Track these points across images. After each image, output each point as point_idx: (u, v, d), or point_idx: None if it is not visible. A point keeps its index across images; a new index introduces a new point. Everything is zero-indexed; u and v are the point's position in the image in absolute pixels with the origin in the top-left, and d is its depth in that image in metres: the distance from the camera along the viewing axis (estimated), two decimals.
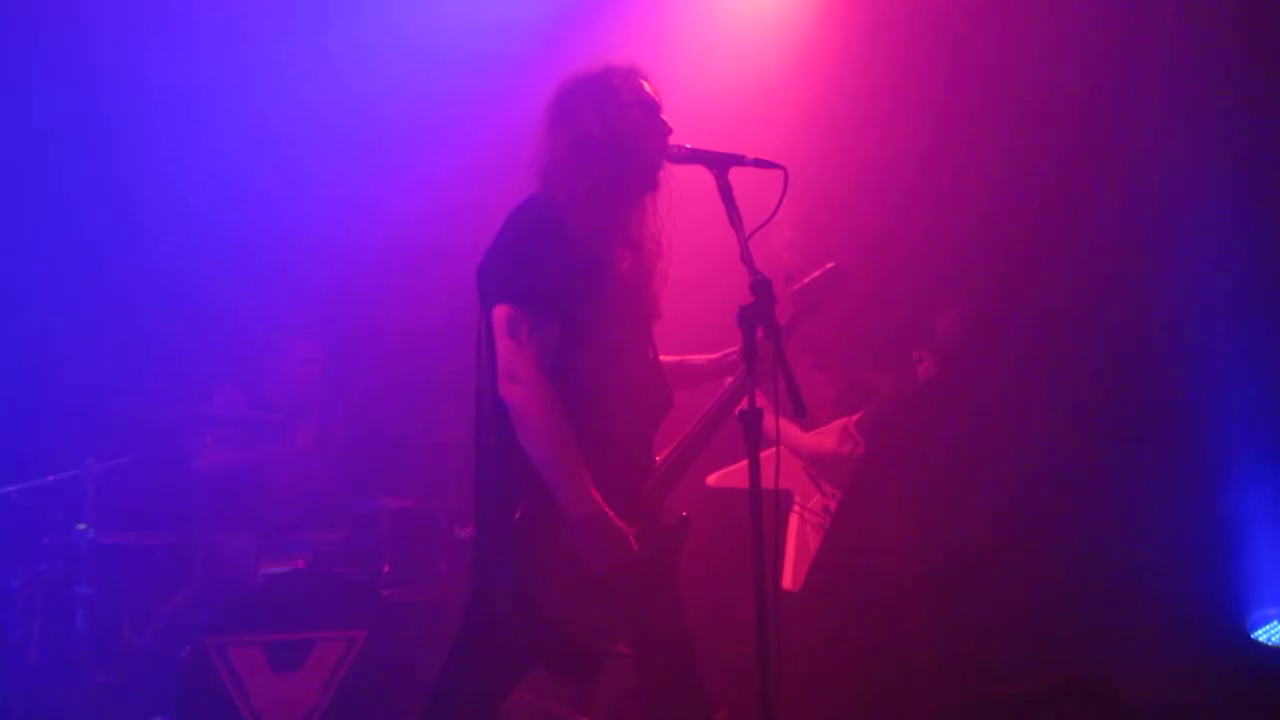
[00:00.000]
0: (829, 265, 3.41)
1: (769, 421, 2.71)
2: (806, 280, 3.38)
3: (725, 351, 3.31)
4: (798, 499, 4.65)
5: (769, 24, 5.65)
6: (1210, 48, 5.01)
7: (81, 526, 4.74)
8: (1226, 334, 4.99)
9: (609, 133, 3.00)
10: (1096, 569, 5.04)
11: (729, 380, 3.24)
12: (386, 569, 4.93)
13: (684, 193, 3.11)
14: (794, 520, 4.62)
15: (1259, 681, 4.66)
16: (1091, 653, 4.80)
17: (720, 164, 2.90)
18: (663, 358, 3.26)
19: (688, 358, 3.36)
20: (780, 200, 2.87)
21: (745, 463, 2.71)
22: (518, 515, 2.88)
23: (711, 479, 4.48)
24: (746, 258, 2.78)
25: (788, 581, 4.45)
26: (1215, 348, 4.99)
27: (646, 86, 3.08)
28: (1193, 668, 4.70)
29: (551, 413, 2.85)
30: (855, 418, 4.71)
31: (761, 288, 2.74)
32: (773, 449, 2.82)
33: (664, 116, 3.07)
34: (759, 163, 2.91)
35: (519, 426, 2.87)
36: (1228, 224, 5.01)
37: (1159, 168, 5.07)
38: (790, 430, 4.57)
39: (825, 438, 4.69)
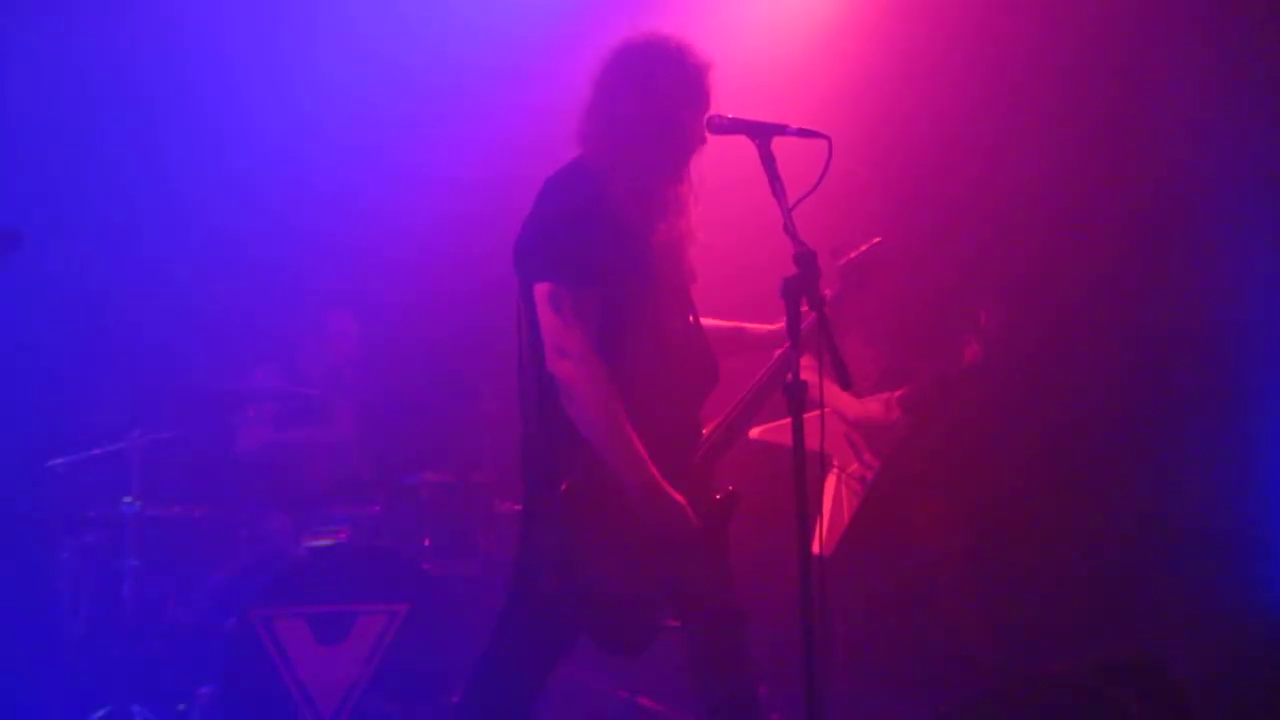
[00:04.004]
0: (875, 240, 3.38)
1: (814, 388, 2.69)
2: (853, 255, 3.34)
3: (780, 324, 3.28)
4: (837, 464, 4.64)
5: None
6: (1250, 32, 4.93)
7: (128, 499, 4.79)
8: (1269, 311, 4.93)
9: (650, 103, 2.97)
10: (1139, 546, 4.99)
11: (777, 352, 3.22)
12: (427, 543, 4.96)
13: (730, 164, 3.08)
14: (831, 485, 4.61)
15: None
16: (1134, 630, 4.76)
17: (763, 134, 2.85)
18: (720, 322, 3.25)
19: (745, 325, 3.33)
20: (824, 170, 2.83)
21: (790, 421, 2.69)
22: (564, 488, 2.88)
23: (755, 432, 4.46)
24: (790, 229, 2.74)
25: (819, 546, 4.43)
26: (1257, 325, 4.92)
27: (692, 57, 3.04)
28: (1241, 647, 4.65)
29: (604, 386, 2.84)
30: (898, 393, 4.69)
31: (805, 259, 2.70)
32: (817, 411, 2.80)
33: (709, 87, 3.02)
34: (802, 132, 2.86)
35: (570, 402, 2.86)
36: (1269, 208, 4.94)
37: (1202, 154, 5.01)
38: (836, 393, 4.55)
39: (870, 405, 4.67)
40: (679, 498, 2.89)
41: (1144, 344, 5.09)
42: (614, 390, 2.84)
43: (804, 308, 2.72)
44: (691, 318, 3.11)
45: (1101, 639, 4.73)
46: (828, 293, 2.99)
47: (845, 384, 2.70)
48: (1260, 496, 4.90)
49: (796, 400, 2.66)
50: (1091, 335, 5.15)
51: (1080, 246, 5.14)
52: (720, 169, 3.11)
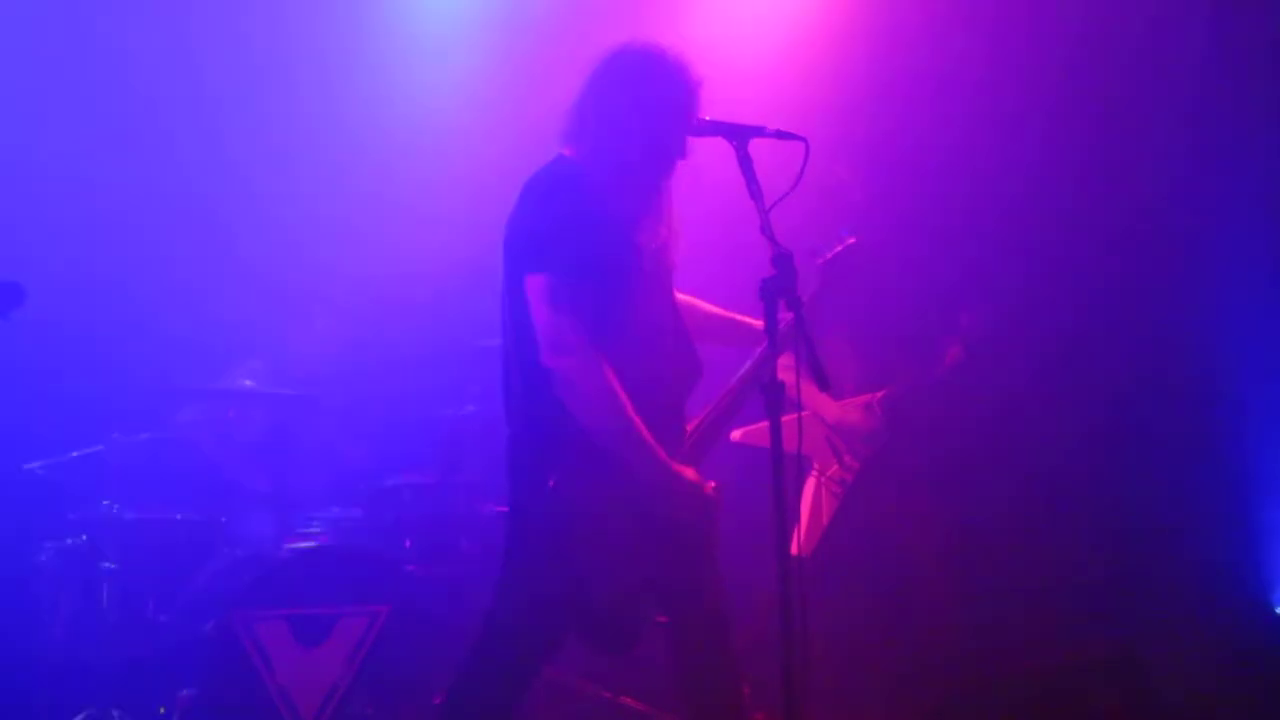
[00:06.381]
0: (850, 240, 3.39)
1: (791, 390, 2.71)
2: (829, 255, 3.36)
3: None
4: (816, 466, 4.64)
5: None
6: (1234, 40, 4.97)
7: (107, 502, 4.77)
8: (1251, 317, 4.97)
9: (638, 106, 2.98)
10: (1120, 545, 5.02)
11: (756, 351, 3.23)
12: (408, 544, 4.95)
13: (708, 166, 3.09)
14: (810, 487, 4.62)
15: None
16: (1115, 629, 4.79)
17: (740, 136, 2.88)
18: (713, 309, 3.27)
19: (735, 317, 3.33)
20: (801, 171, 2.84)
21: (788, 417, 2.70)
22: (551, 484, 2.89)
23: (736, 434, 4.47)
24: (767, 230, 2.76)
25: (797, 548, 4.44)
26: (1240, 329, 4.97)
27: (685, 68, 3.03)
28: (1217, 643, 4.68)
29: (607, 379, 2.84)
30: (879, 395, 4.70)
31: (783, 261, 2.72)
32: (796, 414, 2.82)
33: (698, 101, 3.02)
34: (780, 134, 2.88)
35: (573, 396, 2.84)
36: (1255, 215, 4.98)
37: (1179, 149, 5.05)
38: (816, 396, 4.56)
39: (849, 409, 4.68)
40: (696, 478, 2.89)
41: (1125, 341, 5.11)
42: (615, 382, 2.84)
43: (782, 309, 2.73)
44: (673, 312, 3.12)
45: (1081, 637, 4.76)
46: (804, 295, 2.99)
47: (823, 385, 2.72)
48: (1241, 495, 4.94)
49: (773, 401, 2.68)
50: (1071, 334, 5.17)
51: (1060, 245, 5.17)
52: (698, 171, 3.11)
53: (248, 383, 5.40)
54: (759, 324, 3.22)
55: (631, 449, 2.84)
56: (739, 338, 3.30)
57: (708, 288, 3.39)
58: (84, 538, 4.80)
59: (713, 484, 3.07)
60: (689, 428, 3.14)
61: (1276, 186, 4.97)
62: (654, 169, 3.04)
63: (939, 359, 4.69)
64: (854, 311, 4.72)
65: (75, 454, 4.94)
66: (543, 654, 3.08)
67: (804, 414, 2.90)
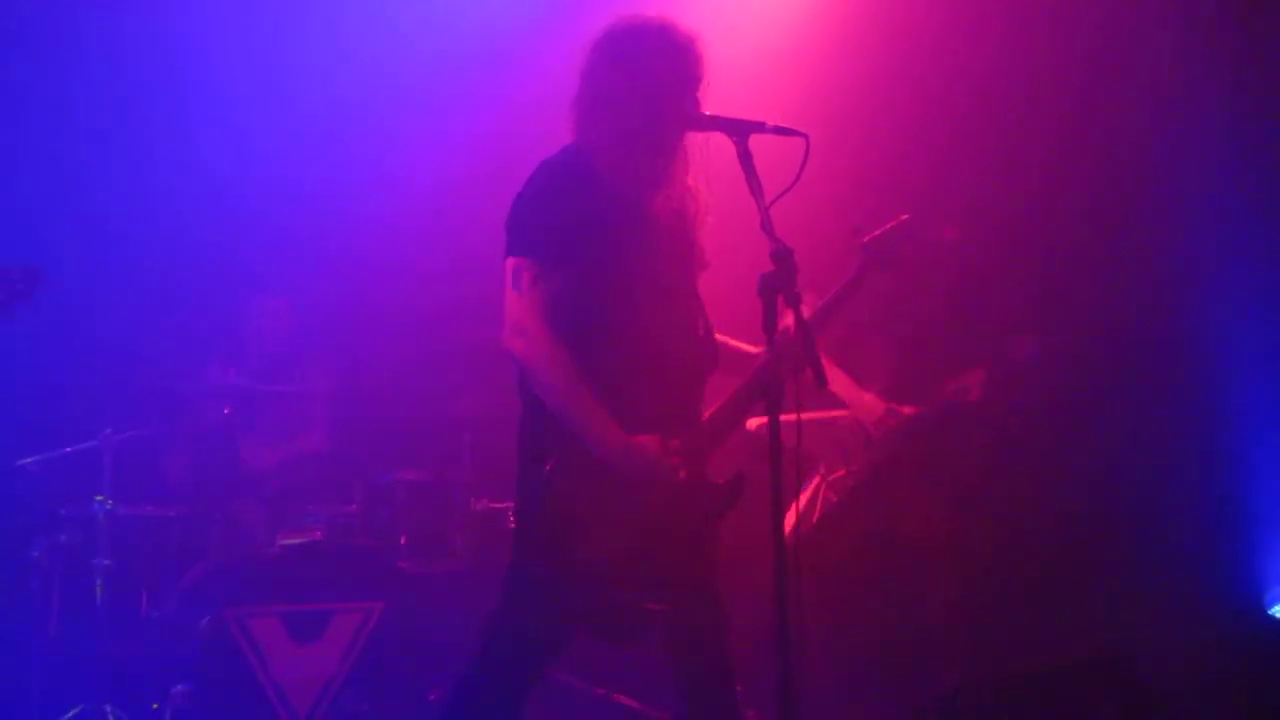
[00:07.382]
0: (902, 217, 3.25)
1: (790, 389, 2.69)
2: (877, 232, 3.22)
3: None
4: (822, 469, 4.61)
5: None
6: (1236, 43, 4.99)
7: (100, 498, 4.75)
8: (1247, 320, 4.97)
9: (630, 78, 2.97)
10: (1114, 546, 5.02)
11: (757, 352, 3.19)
12: (403, 541, 4.94)
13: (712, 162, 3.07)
14: (811, 487, 4.59)
15: (1278, 658, 4.65)
16: (1110, 630, 4.79)
17: (740, 131, 2.84)
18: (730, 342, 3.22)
19: (742, 346, 3.25)
20: (801, 167, 2.83)
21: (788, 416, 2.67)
22: (548, 469, 2.90)
23: (752, 424, 4.43)
24: (767, 226, 2.74)
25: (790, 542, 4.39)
26: (1237, 332, 4.97)
27: (672, 32, 3.00)
28: (1211, 644, 4.68)
29: (556, 360, 2.88)
30: (907, 410, 4.57)
31: (782, 257, 2.70)
32: (808, 414, 2.80)
33: (695, 61, 2.99)
34: (780, 130, 2.85)
35: (529, 378, 2.92)
36: (1252, 214, 4.99)
37: (1162, 148, 5.06)
38: (838, 378, 4.37)
39: (873, 401, 4.56)
40: (654, 449, 2.90)
41: (1121, 342, 5.12)
42: (567, 363, 2.88)
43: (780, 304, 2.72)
44: (692, 299, 3.10)
45: (1073, 636, 4.76)
46: (849, 274, 3.06)
47: (820, 383, 2.69)
48: (1235, 497, 4.95)
49: (774, 401, 2.67)
50: (1066, 332, 5.17)
51: (1055, 243, 5.17)
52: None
53: (241, 379, 5.39)
54: (752, 349, 3.21)
55: (582, 426, 2.88)
56: (741, 366, 3.22)
57: (705, 285, 3.37)
58: (77, 534, 4.78)
59: (723, 481, 3.04)
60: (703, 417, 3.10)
61: (1273, 184, 4.98)
62: (656, 137, 3.00)
63: (974, 386, 4.54)
64: (896, 300, 4.56)
65: (68, 450, 4.91)
66: (546, 648, 3.04)
67: (802, 417, 2.82)
